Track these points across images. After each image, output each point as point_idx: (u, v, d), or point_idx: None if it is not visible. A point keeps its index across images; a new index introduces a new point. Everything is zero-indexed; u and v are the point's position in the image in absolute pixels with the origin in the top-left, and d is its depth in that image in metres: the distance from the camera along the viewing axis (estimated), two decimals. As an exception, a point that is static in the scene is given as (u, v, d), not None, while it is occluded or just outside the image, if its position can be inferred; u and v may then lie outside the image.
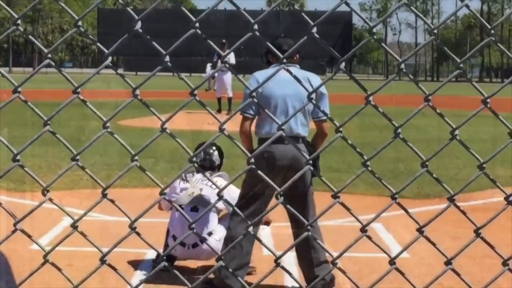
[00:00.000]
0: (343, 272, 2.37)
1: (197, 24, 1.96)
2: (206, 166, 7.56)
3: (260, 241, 2.50)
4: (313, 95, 2.24)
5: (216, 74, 26.34)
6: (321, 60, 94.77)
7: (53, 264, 2.14)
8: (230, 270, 4.08)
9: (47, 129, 2.00)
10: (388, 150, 2.53)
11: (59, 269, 2.18)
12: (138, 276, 7.23)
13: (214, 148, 7.67)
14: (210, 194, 7.21)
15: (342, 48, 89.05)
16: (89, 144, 2.08)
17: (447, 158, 14.86)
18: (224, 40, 26.83)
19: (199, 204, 7.19)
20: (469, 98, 33.28)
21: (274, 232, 8.94)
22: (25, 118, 21.86)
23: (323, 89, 6.50)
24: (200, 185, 7.32)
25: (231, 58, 26.27)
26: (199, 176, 7.41)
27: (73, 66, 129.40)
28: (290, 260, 7.67)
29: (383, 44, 2.28)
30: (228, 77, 26.53)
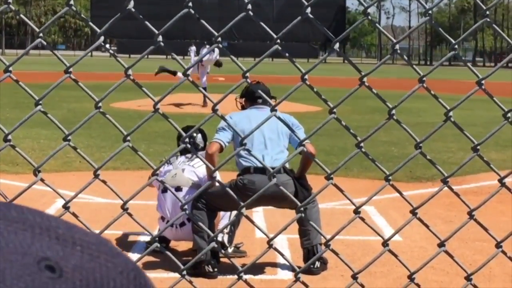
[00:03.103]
0: (336, 253, 2.37)
1: (190, 4, 1.94)
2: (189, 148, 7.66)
3: (252, 222, 2.49)
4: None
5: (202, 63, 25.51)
6: (315, 43, 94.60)
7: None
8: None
9: (38, 109, 1.99)
10: (381, 134, 2.51)
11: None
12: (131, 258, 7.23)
13: (197, 130, 7.75)
14: (192, 174, 7.40)
15: (336, 32, 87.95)
16: (81, 124, 2.07)
17: (440, 142, 14.89)
18: (206, 42, 25.93)
19: (181, 184, 7.36)
20: (462, 82, 33.31)
21: (267, 216, 8.95)
22: (16, 100, 21.82)
23: (297, 123, 6.90)
24: (182, 166, 7.49)
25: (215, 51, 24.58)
26: (182, 158, 7.60)
27: (66, 49, 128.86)
28: (283, 243, 7.69)
29: (377, 25, 2.26)
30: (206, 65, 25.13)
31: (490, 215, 8.30)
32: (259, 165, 6.70)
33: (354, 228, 8.32)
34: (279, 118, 2.39)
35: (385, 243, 2.32)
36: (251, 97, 7.15)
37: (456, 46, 2.19)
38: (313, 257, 6.72)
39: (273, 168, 6.48)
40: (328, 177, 2.22)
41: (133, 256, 7.29)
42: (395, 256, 2.30)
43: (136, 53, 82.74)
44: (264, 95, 2.56)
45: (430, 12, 2.11)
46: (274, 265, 7.08)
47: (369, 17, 2.15)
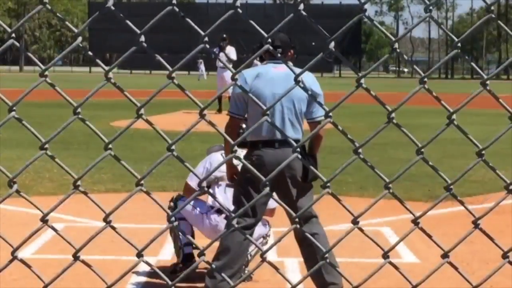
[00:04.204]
0: (334, 266, 2.36)
1: (174, 1, 1.94)
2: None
3: (246, 236, 2.49)
4: (300, 78, 2.24)
5: (216, 72, 26.32)
6: (329, 56, 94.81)
7: (22, 261, 2.14)
8: (224, 275, 4.05)
9: (12, 115, 2.00)
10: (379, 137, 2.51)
11: (29, 266, 2.18)
12: (134, 281, 7.18)
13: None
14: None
15: (351, 42, 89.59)
16: (58, 132, 2.08)
17: (441, 146, 14.99)
18: (225, 35, 26.19)
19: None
20: (481, 97, 33.34)
21: (274, 231, 8.94)
22: (10, 121, 21.93)
23: (317, 89, 6.40)
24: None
25: (232, 54, 25.79)
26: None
27: (62, 64, 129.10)
28: (294, 267, 7.67)
29: (375, 23, 2.26)
30: (229, 74, 25.90)
31: (497, 225, 8.31)
32: (266, 139, 6.32)
33: (369, 251, 8.29)
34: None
35: (385, 255, 2.32)
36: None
37: (459, 44, 2.20)
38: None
39: (282, 141, 6.27)
40: (325, 186, 2.21)
41: (136, 278, 7.28)
42: (396, 268, 2.30)
43: (137, 69, 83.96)
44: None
45: (431, 7, 2.12)
46: (273, 275, 7.12)
47: (366, 15, 2.16)
